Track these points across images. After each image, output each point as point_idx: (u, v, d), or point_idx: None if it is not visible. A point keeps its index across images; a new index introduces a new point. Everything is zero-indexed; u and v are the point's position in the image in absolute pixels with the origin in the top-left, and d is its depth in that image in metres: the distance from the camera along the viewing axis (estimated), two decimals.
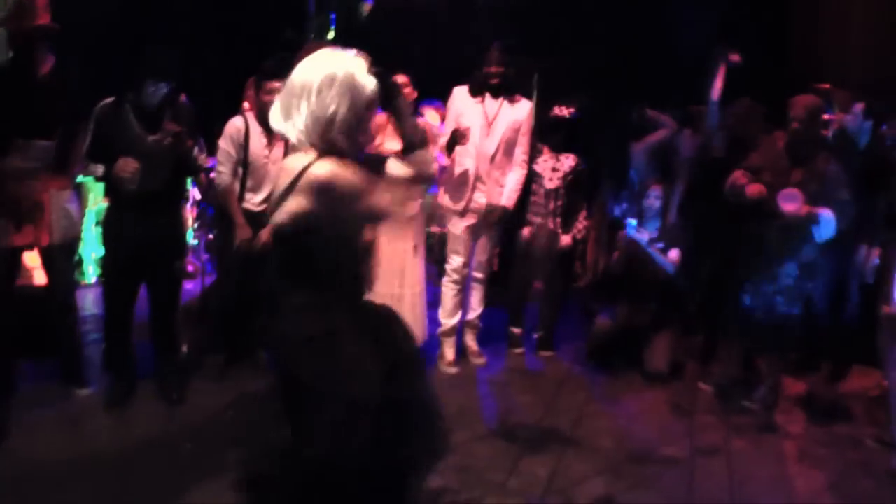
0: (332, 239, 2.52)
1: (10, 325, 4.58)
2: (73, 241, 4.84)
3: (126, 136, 4.50)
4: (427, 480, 3.04)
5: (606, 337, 6.03)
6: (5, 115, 4.39)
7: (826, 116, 5.52)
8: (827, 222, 4.85)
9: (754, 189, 4.94)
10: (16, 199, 4.42)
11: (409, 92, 5.51)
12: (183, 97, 4.75)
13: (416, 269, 5.57)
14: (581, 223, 6.18)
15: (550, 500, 3.94)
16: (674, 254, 5.88)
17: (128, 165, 4.42)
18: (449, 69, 5.93)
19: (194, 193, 7.16)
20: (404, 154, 2.74)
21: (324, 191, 2.45)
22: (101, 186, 5.89)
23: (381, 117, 4.85)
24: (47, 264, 4.72)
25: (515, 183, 5.72)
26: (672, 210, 6.45)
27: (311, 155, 2.52)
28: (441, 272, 6.05)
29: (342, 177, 2.46)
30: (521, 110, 5.64)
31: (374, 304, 2.87)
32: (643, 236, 5.88)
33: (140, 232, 4.61)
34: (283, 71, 5.09)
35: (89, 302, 6.49)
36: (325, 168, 2.47)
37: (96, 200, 7.20)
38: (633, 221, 5.92)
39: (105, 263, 4.93)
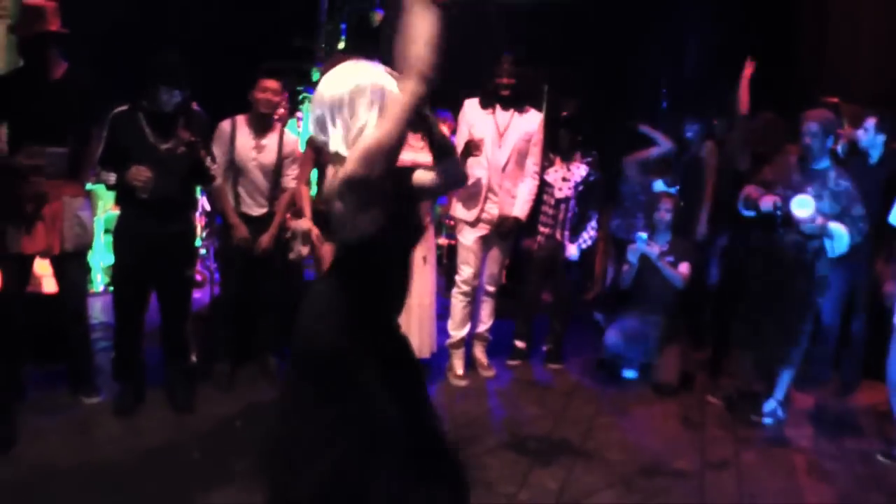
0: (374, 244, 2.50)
1: (20, 332, 4.59)
2: (85, 249, 4.84)
3: (139, 144, 4.51)
4: None
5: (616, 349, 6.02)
6: (17, 121, 4.42)
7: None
8: (839, 237, 4.85)
9: (769, 199, 4.93)
10: (25, 198, 4.43)
11: None
12: (195, 105, 4.76)
13: (425, 280, 5.55)
14: (588, 233, 6.17)
15: None
16: (684, 267, 5.87)
17: (141, 173, 4.42)
18: (458, 80, 5.94)
19: (203, 202, 7.17)
20: (437, 161, 2.72)
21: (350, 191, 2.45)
22: (110, 194, 5.90)
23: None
24: (59, 272, 4.73)
25: (528, 194, 5.72)
26: (702, 223, 6.47)
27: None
28: (449, 283, 6.04)
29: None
30: (531, 121, 5.65)
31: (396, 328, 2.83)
32: (653, 250, 5.88)
33: (151, 240, 4.61)
34: (280, 73, 5.13)
35: (98, 310, 6.50)
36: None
37: (105, 208, 7.22)
38: (643, 235, 5.91)
39: (115, 271, 4.91)
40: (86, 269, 5.24)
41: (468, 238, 5.70)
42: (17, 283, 4.53)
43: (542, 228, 6.10)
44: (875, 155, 5.68)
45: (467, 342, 5.92)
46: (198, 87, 4.70)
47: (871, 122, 5.62)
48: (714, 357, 6.16)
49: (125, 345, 4.85)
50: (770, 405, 5.27)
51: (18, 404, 4.53)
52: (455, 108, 5.76)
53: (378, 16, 9.69)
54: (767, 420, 5.23)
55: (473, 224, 5.66)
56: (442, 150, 2.71)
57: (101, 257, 7.23)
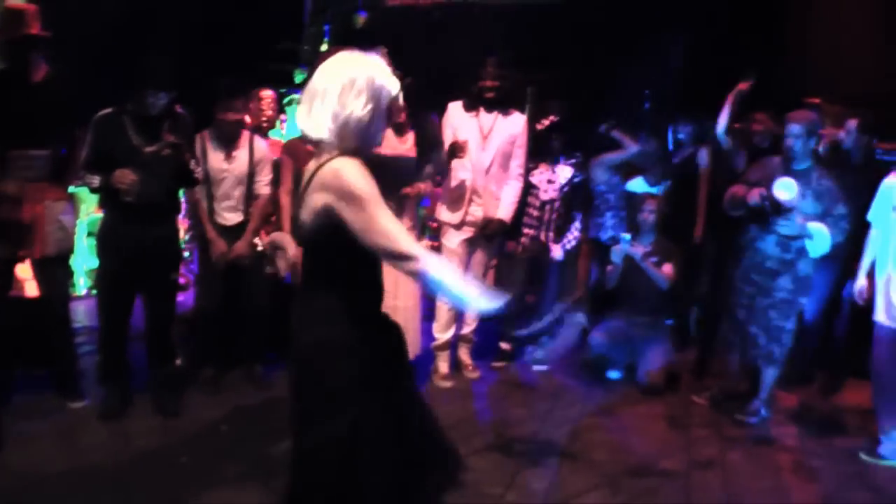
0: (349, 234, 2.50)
1: (3, 337, 4.57)
2: (67, 253, 4.83)
3: (124, 147, 4.49)
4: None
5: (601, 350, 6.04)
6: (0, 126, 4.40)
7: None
8: (820, 236, 4.88)
9: (755, 193, 4.95)
10: (7, 222, 4.44)
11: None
12: (178, 108, 4.74)
13: (410, 282, 5.54)
14: (573, 234, 6.18)
15: None
16: (668, 268, 5.89)
17: (126, 176, 4.39)
18: (442, 82, 5.95)
19: (186, 205, 7.13)
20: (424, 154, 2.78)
21: (336, 185, 2.47)
22: (93, 197, 5.87)
23: None
24: (41, 276, 4.72)
25: (513, 196, 5.72)
26: (698, 230, 6.49)
27: (330, 154, 2.54)
28: None
29: (353, 172, 2.48)
30: (515, 124, 5.65)
31: (387, 317, 2.86)
32: (637, 250, 5.89)
33: (136, 243, 4.59)
34: (242, 89, 5.14)
35: (81, 314, 6.46)
36: (339, 164, 2.49)
37: (88, 211, 7.18)
38: (626, 236, 5.93)
39: (100, 275, 4.89)
40: (69, 273, 5.21)
41: (453, 241, 5.70)
42: None
43: (526, 230, 6.10)
44: (857, 155, 5.72)
45: (452, 344, 5.92)
46: (182, 89, 4.69)
47: (853, 124, 5.67)
48: (700, 357, 6.18)
49: (110, 349, 4.82)
50: (755, 405, 5.30)
51: (3, 409, 4.51)
52: (441, 111, 5.76)
53: (361, 18, 9.69)
54: (752, 419, 5.26)
55: (458, 226, 5.66)
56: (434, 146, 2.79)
57: (83, 261, 7.19)
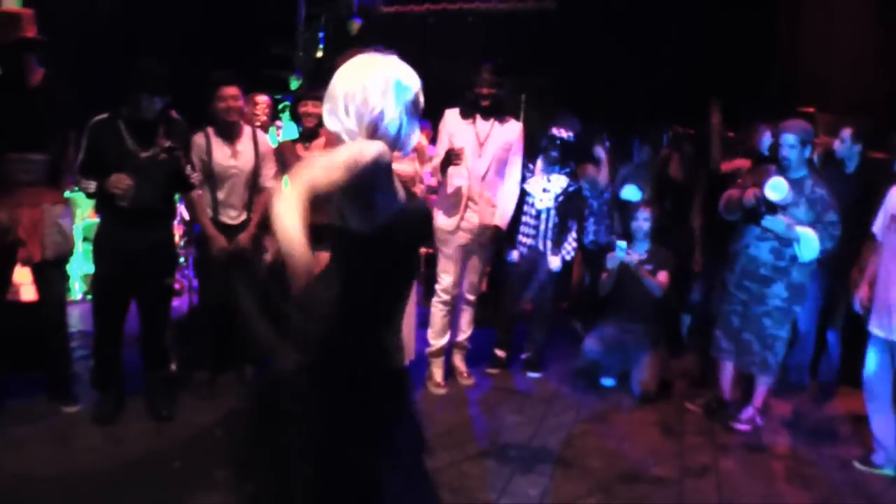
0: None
1: None
2: (65, 257, 4.82)
3: (120, 152, 4.49)
4: None
5: (595, 358, 6.04)
6: None
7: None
8: (807, 241, 4.89)
9: (749, 193, 4.96)
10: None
11: None
12: (173, 112, 4.75)
13: None
14: (571, 244, 6.19)
15: None
16: (663, 276, 5.90)
17: (121, 181, 4.39)
18: (437, 89, 5.96)
19: (181, 210, 7.14)
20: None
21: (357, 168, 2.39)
22: (89, 201, 5.86)
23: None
24: (39, 280, 4.71)
25: (508, 203, 5.74)
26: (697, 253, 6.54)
27: None
28: (428, 292, 6.04)
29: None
30: (511, 131, 5.67)
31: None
32: (632, 258, 5.90)
33: (132, 247, 4.58)
34: (234, 79, 5.13)
35: (76, 318, 6.45)
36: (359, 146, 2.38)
37: (84, 216, 7.18)
38: (622, 243, 5.94)
39: (96, 279, 4.89)
40: (65, 277, 5.21)
41: (448, 247, 5.71)
42: None
43: (523, 238, 6.11)
44: (852, 164, 5.74)
45: (447, 351, 5.93)
46: (176, 95, 4.69)
47: (847, 132, 5.69)
48: (693, 364, 6.21)
49: (105, 353, 4.81)
50: (748, 412, 5.31)
51: None
52: (435, 118, 5.78)
53: (356, 24, 9.71)
54: (746, 427, 5.27)
55: (453, 232, 5.66)
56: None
57: (79, 265, 7.19)
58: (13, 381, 4.90)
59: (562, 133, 6.02)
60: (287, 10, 10.03)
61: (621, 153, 7.29)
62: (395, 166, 2.51)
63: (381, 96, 2.46)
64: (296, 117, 5.46)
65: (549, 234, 6.08)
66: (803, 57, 8.40)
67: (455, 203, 5.62)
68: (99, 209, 4.84)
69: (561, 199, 6.07)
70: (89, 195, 4.65)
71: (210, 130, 5.13)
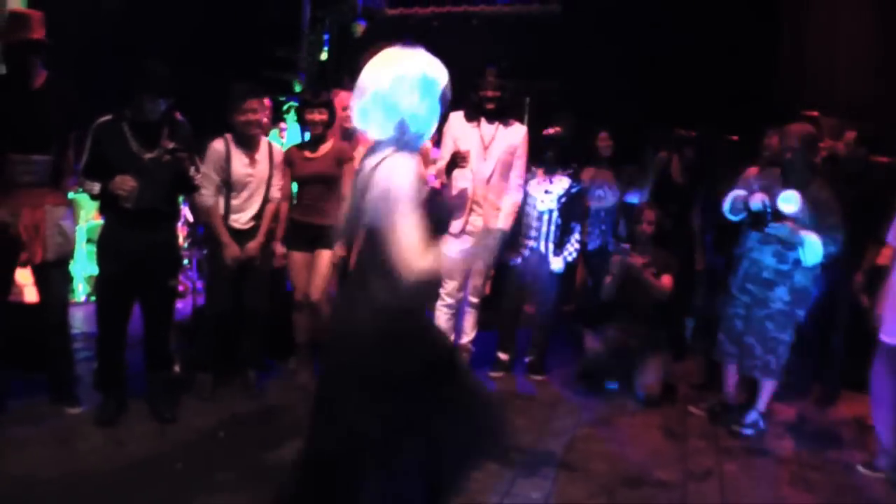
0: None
1: (1, 342, 4.57)
2: (67, 258, 4.82)
3: (124, 154, 4.49)
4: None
5: (598, 361, 6.03)
6: (1, 130, 4.39)
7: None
8: (810, 245, 4.87)
9: (757, 197, 4.95)
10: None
11: None
12: (177, 114, 4.75)
13: None
14: (574, 246, 6.17)
15: None
16: (666, 279, 5.88)
17: (125, 183, 4.40)
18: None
19: (185, 212, 7.14)
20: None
21: (384, 184, 2.50)
22: (92, 203, 5.87)
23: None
24: (41, 281, 4.71)
25: (512, 206, 5.75)
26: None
27: (387, 151, 2.56)
28: None
29: (402, 174, 2.50)
30: (516, 134, 5.68)
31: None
32: (636, 261, 5.89)
33: (135, 249, 4.58)
34: (256, 91, 5.17)
35: (79, 320, 6.45)
36: (394, 163, 2.52)
37: (87, 217, 7.18)
38: (626, 246, 5.92)
39: (99, 281, 4.90)
40: (68, 279, 5.21)
41: (452, 250, 5.68)
42: None
43: (526, 240, 6.10)
44: (855, 168, 5.72)
45: None
46: (180, 97, 4.70)
47: (851, 136, 5.68)
48: (697, 368, 6.20)
49: (108, 355, 4.81)
50: (752, 416, 5.29)
51: None
52: (439, 121, 5.77)
53: (360, 27, 9.71)
54: (749, 431, 5.25)
55: (458, 235, 5.66)
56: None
57: (82, 267, 7.19)
58: (16, 382, 4.90)
59: (549, 131, 6.01)
60: (292, 13, 10.03)
61: (625, 156, 7.29)
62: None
63: (410, 93, 2.48)
64: (302, 123, 5.47)
65: (552, 236, 6.07)
66: (807, 61, 8.39)
67: (460, 206, 5.62)
68: (103, 211, 4.82)
69: (563, 200, 6.06)
70: (93, 197, 4.66)
71: (229, 137, 5.15)
